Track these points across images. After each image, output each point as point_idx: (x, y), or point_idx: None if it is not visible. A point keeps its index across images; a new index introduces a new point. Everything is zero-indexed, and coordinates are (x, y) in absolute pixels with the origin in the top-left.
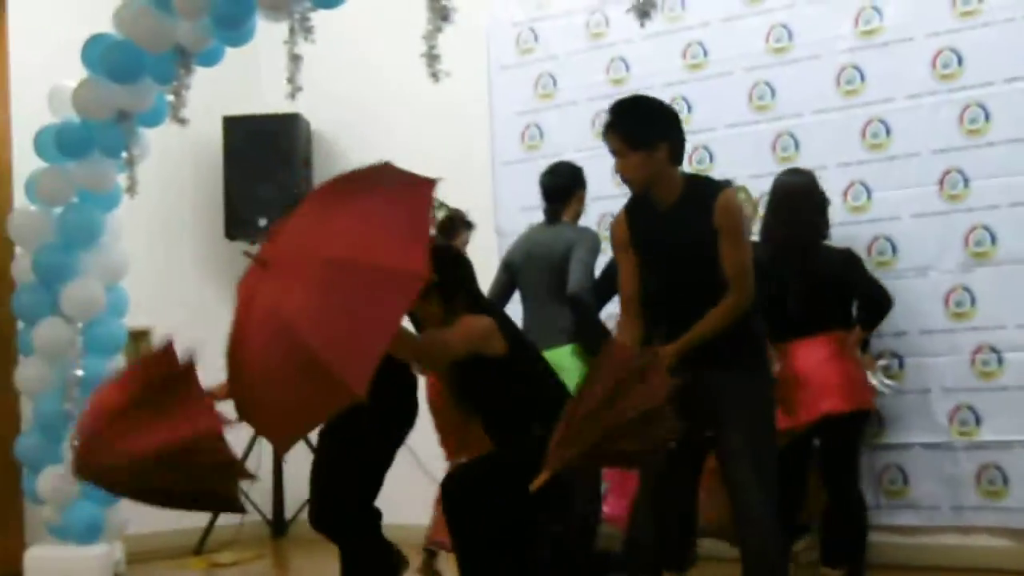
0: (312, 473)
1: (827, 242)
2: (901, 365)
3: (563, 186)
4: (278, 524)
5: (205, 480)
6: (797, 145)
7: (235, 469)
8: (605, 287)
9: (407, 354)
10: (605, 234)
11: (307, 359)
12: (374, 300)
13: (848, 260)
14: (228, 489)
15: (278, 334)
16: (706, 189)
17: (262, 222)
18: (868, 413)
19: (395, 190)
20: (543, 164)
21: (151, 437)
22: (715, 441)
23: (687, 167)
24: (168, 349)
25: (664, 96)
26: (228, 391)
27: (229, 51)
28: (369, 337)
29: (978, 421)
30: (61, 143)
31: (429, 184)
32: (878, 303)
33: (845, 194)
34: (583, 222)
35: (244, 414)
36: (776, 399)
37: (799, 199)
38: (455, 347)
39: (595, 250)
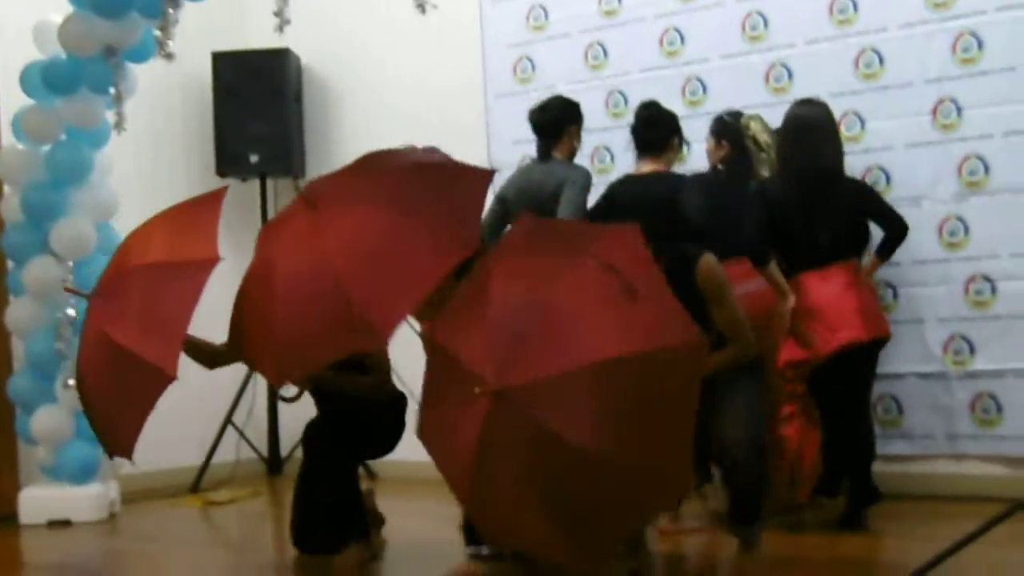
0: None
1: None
2: (895, 295)
3: (553, 122)
4: (274, 462)
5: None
6: (790, 75)
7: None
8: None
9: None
10: (600, 166)
11: (342, 299)
12: (419, 262)
13: (863, 190)
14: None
15: (316, 265)
16: (683, 260)
17: (253, 158)
18: (885, 341)
19: (453, 172)
20: (535, 97)
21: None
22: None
23: (680, 100)
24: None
25: (656, 28)
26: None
27: None
28: (406, 294)
29: (972, 350)
30: (48, 80)
31: (487, 175)
32: (901, 231)
33: (839, 124)
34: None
35: (241, 339)
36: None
37: (820, 131)
38: None
39: (585, 188)
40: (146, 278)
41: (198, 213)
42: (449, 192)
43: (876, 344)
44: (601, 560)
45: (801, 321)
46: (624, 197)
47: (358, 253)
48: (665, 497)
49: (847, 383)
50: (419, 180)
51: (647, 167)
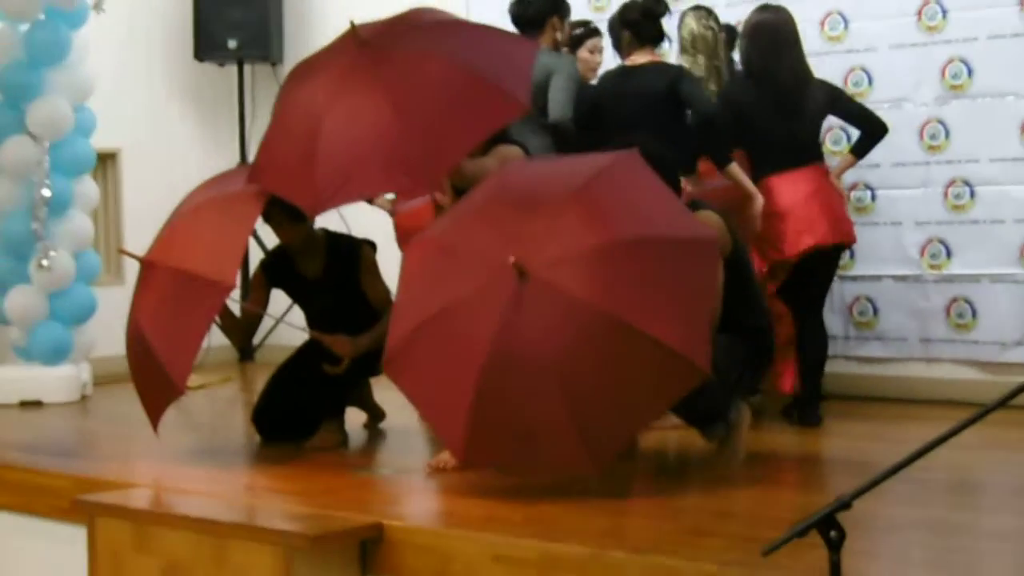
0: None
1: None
2: (873, 197)
3: (536, 14)
4: (245, 349)
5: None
6: None
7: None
8: (586, 115)
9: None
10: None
11: (395, 136)
12: (473, 114)
13: (835, 93)
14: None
15: (371, 100)
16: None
17: (231, 43)
18: (847, 246)
19: (502, 34)
20: None
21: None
22: None
23: None
24: None
25: None
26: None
27: None
28: (458, 144)
29: (948, 254)
30: None
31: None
32: (880, 130)
33: (822, 23)
34: None
35: (268, 171)
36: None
37: (781, 36)
38: (492, 168)
39: (574, 77)
40: (175, 284)
41: (231, 229)
42: (500, 52)
43: (839, 249)
44: (608, 460)
45: (769, 223)
46: (623, 89)
47: (411, 98)
48: (681, 383)
49: (808, 285)
50: (470, 36)
51: (643, 58)
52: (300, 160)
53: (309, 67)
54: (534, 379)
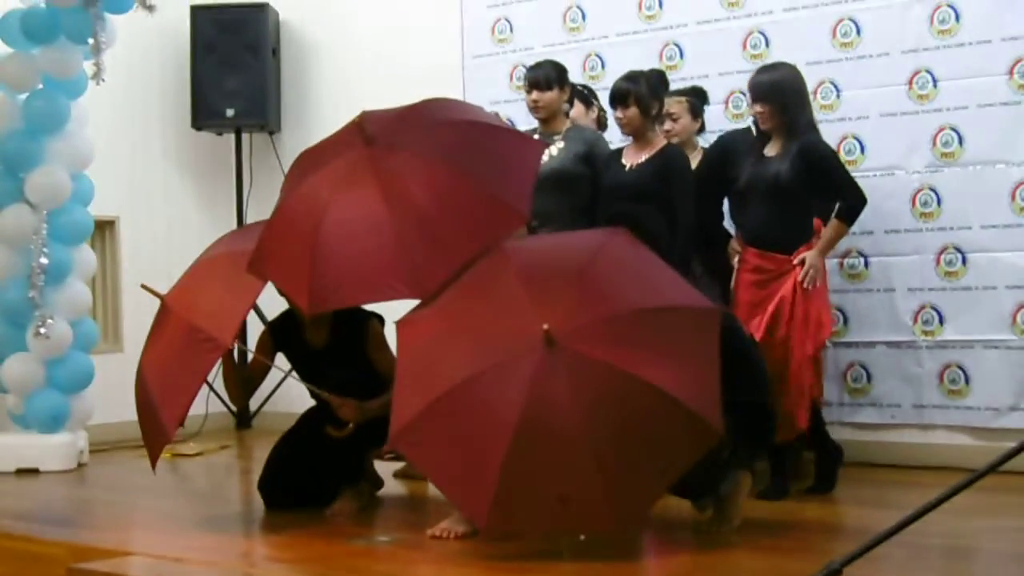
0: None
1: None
2: (866, 264)
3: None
4: (243, 416)
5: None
6: (767, 42)
7: None
8: None
9: None
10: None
11: (390, 246)
12: (469, 227)
13: (822, 153)
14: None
15: (369, 206)
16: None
17: (229, 112)
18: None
19: (510, 138)
20: (513, 59)
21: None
22: None
23: (657, 64)
24: None
25: None
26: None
27: None
28: (452, 256)
29: (941, 320)
30: (26, 28)
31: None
32: (856, 201)
33: (815, 92)
34: None
35: (270, 261)
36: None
37: (789, 92)
38: None
39: None
40: (178, 332)
41: (240, 288)
42: (505, 158)
43: None
44: (639, 522)
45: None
46: None
47: (413, 204)
48: (700, 443)
49: None
50: (477, 139)
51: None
52: (298, 256)
53: (314, 158)
54: (566, 445)
